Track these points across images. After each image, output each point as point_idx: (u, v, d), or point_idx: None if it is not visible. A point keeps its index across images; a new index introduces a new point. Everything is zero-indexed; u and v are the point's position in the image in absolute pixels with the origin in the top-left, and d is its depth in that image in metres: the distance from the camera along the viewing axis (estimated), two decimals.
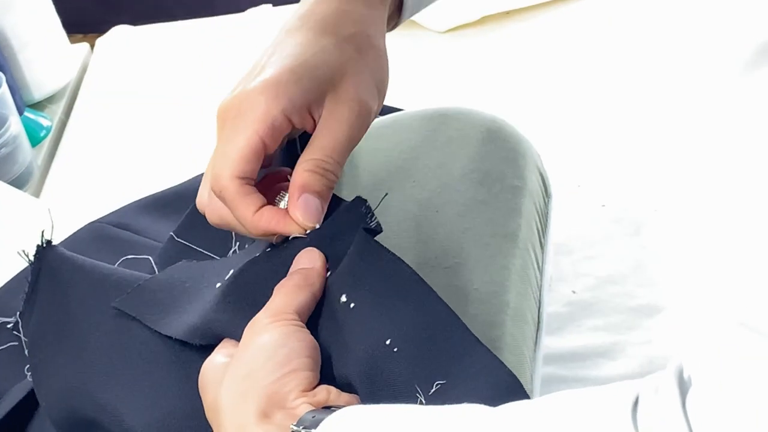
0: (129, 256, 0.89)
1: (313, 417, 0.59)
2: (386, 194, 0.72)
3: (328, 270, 0.70)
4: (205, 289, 0.75)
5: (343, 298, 0.67)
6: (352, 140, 0.68)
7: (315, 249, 0.70)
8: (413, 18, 1.43)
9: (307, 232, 0.69)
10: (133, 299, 0.77)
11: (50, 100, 1.54)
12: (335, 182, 0.68)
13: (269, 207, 0.68)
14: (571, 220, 1.08)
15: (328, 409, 0.61)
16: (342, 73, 0.68)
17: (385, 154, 0.83)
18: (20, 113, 1.38)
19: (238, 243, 0.81)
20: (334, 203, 0.72)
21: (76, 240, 0.95)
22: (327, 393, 0.63)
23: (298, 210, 0.67)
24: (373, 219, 0.69)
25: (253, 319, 0.67)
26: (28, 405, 0.82)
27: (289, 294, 0.68)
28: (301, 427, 0.59)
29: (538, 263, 0.79)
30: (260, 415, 0.61)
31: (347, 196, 0.79)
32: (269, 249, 0.73)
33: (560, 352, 0.95)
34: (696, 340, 0.47)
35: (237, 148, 0.67)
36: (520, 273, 0.75)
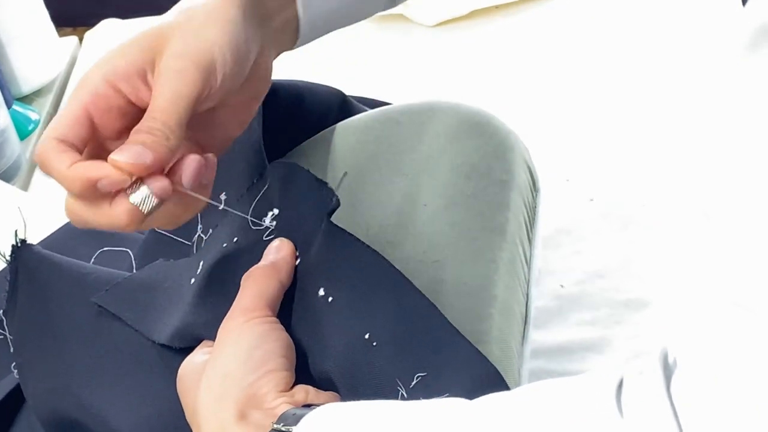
0: (106, 248, 0.89)
1: (293, 414, 0.59)
2: (345, 173, 0.71)
3: (297, 257, 0.69)
4: (182, 288, 0.75)
5: (321, 292, 0.67)
6: (181, 97, 0.62)
7: (284, 239, 0.70)
8: (403, 12, 1.44)
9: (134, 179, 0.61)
10: (112, 296, 0.77)
11: (39, 93, 1.53)
12: (169, 143, 0.62)
13: (87, 161, 0.62)
14: (560, 214, 1.08)
15: (308, 406, 0.61)
16: (167, 37, 0.64)
17: (373, 147, 0.82)
18: (8, 106, 1.37)
19: (201, 227, 0.80)
20: (302, 181, 0.71)
21: (62, 234, 0.95)
22: (305, 393, 0.63)
23: (115, 152, 0.61)
24: (333, 200, 0.68)
25: (226, 317, 0.67)
26: (15, 399, 0.82)
27: (258, 286, 0.67)
28: (281, 425, 0.59)
29: (526, 257, 0.79)
30: (239, 417, 0.61)
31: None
32: (236, 240, 0.73)
33: (548, 346, 0.95)
34: (681, 322, 0.48)
35: (59, 116, 0.64)
36: (508, 267, 0.75)
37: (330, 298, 0.67)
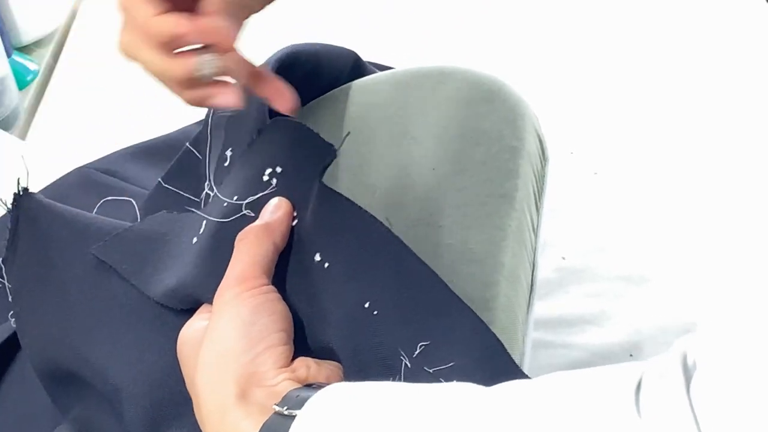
0: (109, 198, 0.87)
1: (297, 396, 0.57)
2: (348, 133, 0.70)
3: (295, 218, 0.68)
4: (183, 243, 0.74)
5: (317, 257, 0.66)
6: None
7: (282, 198, 0.69)
8: None
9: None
10: (111, 247, 0.76)
11: (38, 44, 1.52)
12: (238, 24, 0.66)
13: (174, 13, 0.64)
14: (563, 186, 1.08)
15: (311, 386, 0.59)
16: None
17: (382, 110, 0.82)
18: (8, 55, 1.36)
19: (208, 183, 0.79)
20: (305, 139, 0.71)
21: (63, 185, 0.94)
22: (306, 368, 0.61)
23: (215, 19, 0.64)
24: (332, 153, 0.67)
25: (221, 286, 0.65)
26: (10, 348, 0.81)
27: (251, 250, 0.66)
28: (284, 408, 0.56)
29: (533, 225, 0.78)
30: (239, 396, 0.59)
31: (342, 150, 0.78)
32: (236, 198, 0.71)
33: (548, 317, 0.95)
34: (702, 324, 0.47)
35: None
36: (515, 234, 0.74)
37: (326, 264, 0.66)
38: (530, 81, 1.19)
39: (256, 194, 0.71)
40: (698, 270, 0.97)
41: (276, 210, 0.68)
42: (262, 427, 0.56)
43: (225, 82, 0.65)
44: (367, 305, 0.64)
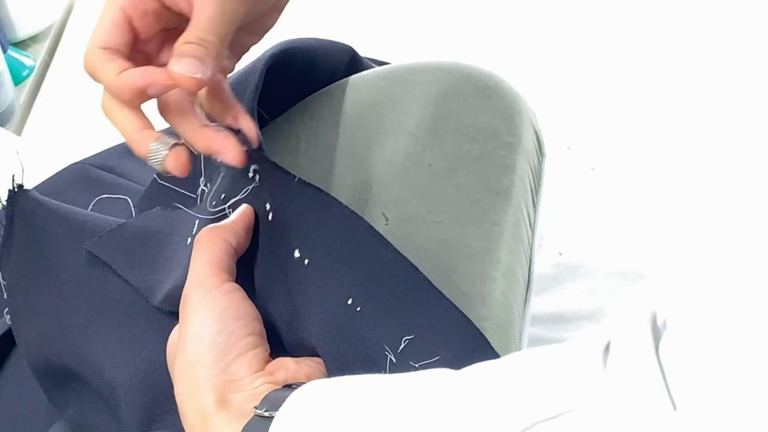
0: (104, 196, 0.87)
1: (275, 398, 0.57)
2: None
3: (269, 212, 0.67)
4: (177, 243, 0.73)
5: (297, 254, 0.65)
6: (225, 13, 0.63)
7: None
8: None
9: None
10: (105, 243, 0.75)
11: (34, 39, 1.52)
12: (214, 54, 0.62)
13: (135, 68, 0.63)
14: (560, 182, 1.08)
15: (290, 387, 0.59)
16: None
17: (379, 105, 0.81)
18: (3, 51, 1.36)
19: (203, 179, 0.79)
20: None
21: (58, 180, 0.94)
22: (285, 370, 0.61)
23: (172, 63, 0.61)
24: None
25: (184, 292, 0.64)
26: (4, 344, 0.81)
27: (205, 251, 0.65)
28: (263, 410, 0.56)
29: (530, 221, 0.78)
30: (218, 403, 0.59)
31: (339, 145, 0.78)
32: (224, 197, 0.71)
33: (544, 313, 0.95)
34: (671, 286, 0.47)
35: (99, 23, 0.64)
36: (512, 230, 0.74)
37: (306, 260, 0.65)
38: (527, 76, 1.19)
39: (242, 190, 0.70)
40: (695, 267, 0.97)
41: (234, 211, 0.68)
42: (243, 430, 0.56)
43: (224, 135, 0.64)
44: (350, 302, 0.63)
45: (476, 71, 0.83)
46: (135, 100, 0.62)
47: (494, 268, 0.71)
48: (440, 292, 0.63)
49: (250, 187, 0.69)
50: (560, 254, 1.01)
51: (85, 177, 0.93)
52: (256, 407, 0.57)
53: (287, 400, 0.55)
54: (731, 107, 1.12)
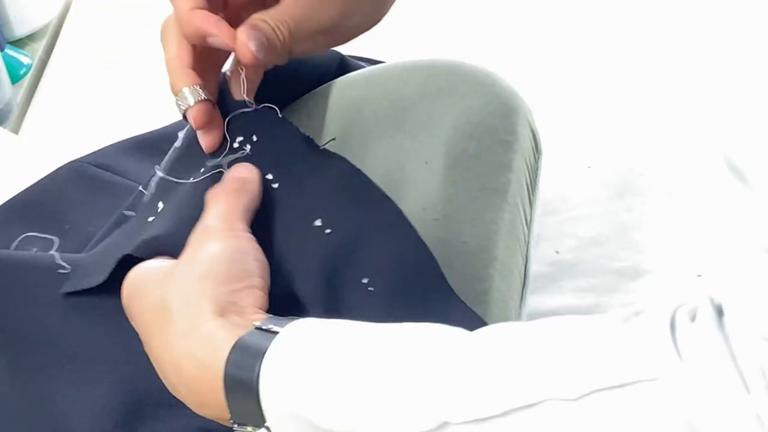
0: (30, 234, 0.84)
1: (279, 318, 0.58)
2: (333, 138, 0.71)
3: (273, 181, 0.68)
4: (139, 227, 0.72)
5: (318, 222, 0.66)
6: (309, 21, 0.67)
7: (242, 163, 0.68)
8: None
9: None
10: (76, 277, 0.73)
11: (31, 38, 1.52)
12: (279, 46, 0.67)
13: (210, 14, 0.67)
14: (557, 180, 1.08)
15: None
16: None
17: (375, 103, 0.81)
18: (1, 49, 1.36)
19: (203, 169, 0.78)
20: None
21: (55, 178, 0.93)
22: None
23: (244, 31, 0.66)
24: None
25: (203, 224, 0.64)
26: None
27: (228, 200, 0.66)
28: (267, 326, 0.57)
29: (526, 219, 0.78)
30: (217, 313, 0.59)
31: (334, 144, 0.78)
32: (203, 170, 0.70)
33: (542, 311, 0.94)
34: (721, 269, 0.47)
35: None
36: (508, 228, 0.75)
37: (328, 230, 0.66)
38: (524, 74, 1.19)
39: (227, 157, 0.70)
40: (693, 265, 0.97)
41: (245, 171, 0.68)
42: (240, 339, 0.57)
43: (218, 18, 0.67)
44: (365, 281, 0.64)
45: (473, 69, 0.83)
46: (194, 38, 0.66)
47: (491, 266, 0.72)
48: (452, 290, 0.65)
49: (238, 155, 0.69)
50: (557, 252, 1.01)
51: (82, 175, 0.93)
52: (256, 323, 0.58)
53: (294, 321, 0.57)
54: (731, 107, 1.12)
